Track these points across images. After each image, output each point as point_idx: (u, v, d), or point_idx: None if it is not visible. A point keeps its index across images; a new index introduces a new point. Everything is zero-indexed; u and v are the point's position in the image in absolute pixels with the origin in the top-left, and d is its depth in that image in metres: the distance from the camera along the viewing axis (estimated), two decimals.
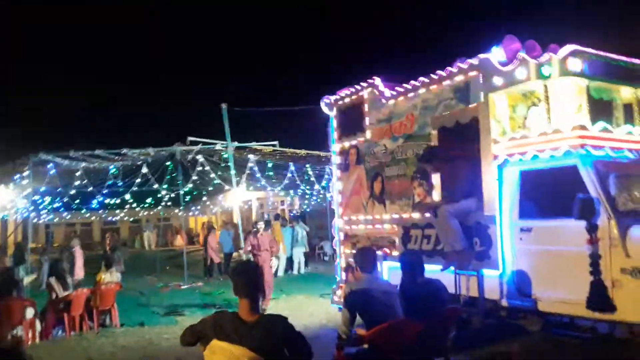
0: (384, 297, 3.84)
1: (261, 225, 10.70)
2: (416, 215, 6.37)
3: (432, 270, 5.29)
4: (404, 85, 6.66)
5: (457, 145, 6.12)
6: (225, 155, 14.67)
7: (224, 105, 13.34)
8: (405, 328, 3.72)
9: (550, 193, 5.25)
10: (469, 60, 5.83)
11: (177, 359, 6.13)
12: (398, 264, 5.94)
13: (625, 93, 5.91)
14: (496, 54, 5.62)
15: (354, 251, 7.34)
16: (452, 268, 5.76)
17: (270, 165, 17.07)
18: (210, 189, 19.16)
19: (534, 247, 5.30)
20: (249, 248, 9.72)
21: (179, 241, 30.09)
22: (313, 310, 8.95)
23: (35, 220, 21.40)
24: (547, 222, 5.24)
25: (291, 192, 23.04)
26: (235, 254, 15.18)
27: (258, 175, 17.05)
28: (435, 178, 6.05)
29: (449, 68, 6.06)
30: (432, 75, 6.24)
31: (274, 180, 18.56)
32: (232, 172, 14.04)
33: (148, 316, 9.46)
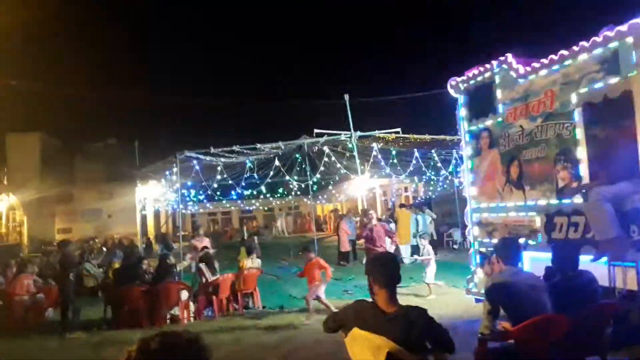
0: (530, 290, 3.61)
1: (372, 214, 10.63)
2: (561, 201, 5.88)
3: (581, 261, 4.86)
4: (541, 60, 6.14)
5: (607, 122, 5.53)
6: (350, 145, 14.89)
7: (346, 96, 13.52)
8: (555, 323, 3.47)
9: None
10: (618, 28, 5.18)
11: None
12: (540, 255, 5.60)
13: None
14: None
15: (487, 240, 7.03)
16: (605, 259, 5.23)
17: (394, 152, 16.97)
18: (336, 178, 19.63)
19: None
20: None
21: (307, 227, 31.32)
22: (446, 300, 8.75)
23: (182, 211, 23.70)
24: None
25: (415, 178, 22.68)
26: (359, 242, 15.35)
27: (382, 163, 17.06)
28: (582, 159, 5.52)
29: (593, 38, 5.45)
30: (574, 47, 5.66)
31: (398, 168, 18.42)
32: (357, 161, 14.21)
33: (286, 300, 10.00)
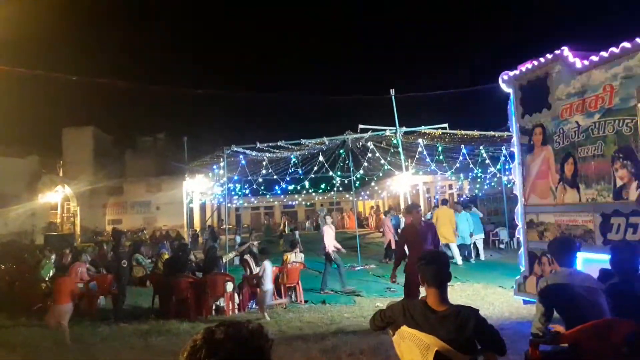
0: (586, 293, 3.45)
1: (392, 213, 10.29)
2: (619, 201, 5.60)
3: None
4: (600, 53, 5.86)
5: None
6: (394, 141, 14.74)
7: (392, 91, 13.37)
8: (614, 328, 3.31)
9: None
10: None
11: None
12: (595, 256, 5.35)
13: None
14: None
15: (540, 241, 6.79)
16: None
17: (440, 148, 16.68)
18: (379, 174, 19.49)
19: None
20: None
21: (349, 224, 31.24)
22: (493, 301, 8.53)
23: (228, 204, 24.18)
24: None
25: (461, 176, 22.23)
26: None
27: (427, 159, 16.80)
28: None
29: None
30: (637, 39, 5.37)
31: (444, 164, 18.10)
32: (401, 157, 14.04)
33: (328, 295, 10.02)
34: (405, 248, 7.14)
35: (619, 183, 5.61)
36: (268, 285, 8.43)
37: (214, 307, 9.01)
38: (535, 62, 6.86)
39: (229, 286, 9.00)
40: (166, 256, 12.74)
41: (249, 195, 24.44)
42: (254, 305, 9.22)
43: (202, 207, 31.91)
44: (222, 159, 14.06)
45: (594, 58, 5.96)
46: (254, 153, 14.13)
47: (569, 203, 6.32)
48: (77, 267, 9.92)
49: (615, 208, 5.64)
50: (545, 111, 6.70)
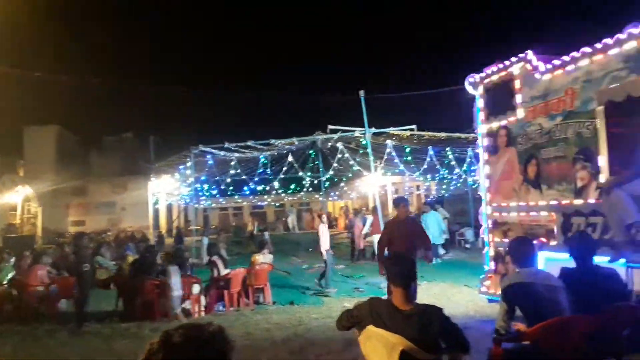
0: (547, 291, 3.53)
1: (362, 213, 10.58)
2: (579, 201, 5.77)
3: (604, 264, 4.77)
4: (562, 57, 6.02)
5: (629, 121, 5.42)
6: (364, 142, 14.82)
7: (361, 92, 13.43)
8: (574, 326, 3.39)
9: None
10: None
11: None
12: (556, 255, 5.50)
13: None
14: None
15: (504, 240, 6.93)
16: (622, 260, 5.13)
17: (408, 150, 16.88)
18: (349, 175, 19.58)
19: None
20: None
21: (318, 224, 31.23)
22: (458, 300, 8.66)
23: (195, 205, 23.84)
24: None
25: (429, 176, 22.56)
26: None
27: (396, 160, 16.97)
28: (603, 159, 5.40)
29: (617, 35, 5.33)
30: (597, 45, 5.55)
31: (412, 165, 18.32)
32: (370, 158, 14.12)
33: (297, 296, 9.99)
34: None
35: (580, 184, 5.77)
36: (176, 291, 8.40)
37: (180, 310, 8.84)
38: (500, 65, 7.00)
39: (195, 288, 8.86)
40: (131, 258, 12.46)
41: (217, 195, 24.18)
42: (221, 307, 9.11)
43: (169, 208, 31.40)
44: (189, 159, 13.87)
45: (557, 62, 6.13)
46: (222, 153, 13.98)
47: (531, 203, 6.48)
48: (37, 270, 9.59)
49: (575, 208, 5.80)
50: (510, 113, 6.84)
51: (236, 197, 27.19)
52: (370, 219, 15.18)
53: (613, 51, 5.37)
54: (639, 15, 5.17)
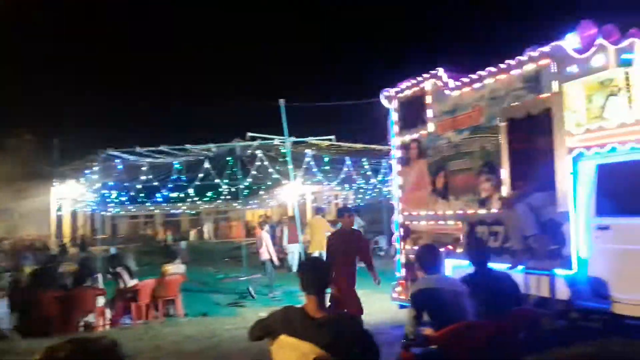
0: (452, 297, 3.70)
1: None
2: (483, 211, 6.13)
3: (499, 269, 5.08)
4: (470, 75, 6.40)
5: (528, 138, 5.85)
6: (283, 150, 14.80)
7: (282, 101, 13.42)
8: (478, 329, 3.58)
9: (630, 189, 4.90)
10: (541, 49, 5.51)
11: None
12: (463, 262, 5.79)
13: None
14: (571, 41, 5.28)
15: (415, 247, 7.19)
16: (521, 267, 5.51)
17: (326, 159, 17.09)
18: (268, 183, 19.44)
19: (612, 246, 4.97)
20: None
21: (235, 233, 30.79)
22: (371, 306, 8.79)
23: (102, 212, 22.52)
24: (627, 220, 4.89)
25: (346, 186, 23.00)
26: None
27: (314, 169, 17.12)
28: (504, 172, 5.78)
29: (518, 57, 5.76)
30: (501, 65, 5.96)
31: (330, 175, 18.57)
32: (290, 166, 14.13)
33: (210, 307, 9.70)
34: None
35: (484, 195, 6.14)
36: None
37: (82, 324, 8.26)
38: (413, 81, 7.30)
39: (100, 300, 8.32)
40: (29, 269, 11.46)
41: (127, 203, 22.99)
42: (128, 320, 8.63)
43: (74, 216, 29.40)
44: (96, 163, 13.08)
45: (465, 79, 6.50)
46: (133, 157, 13.31)
47: (440, 213, 6.78)
48: None
49: (480, 218, 6.15)
50: (421, 127, 7.15)
51: (148, 204, 26.04)
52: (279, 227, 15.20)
53: (515, 72, 5.79)
54: (541, 37, 5.63)
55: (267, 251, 11.49)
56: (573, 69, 5.20)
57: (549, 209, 5.35)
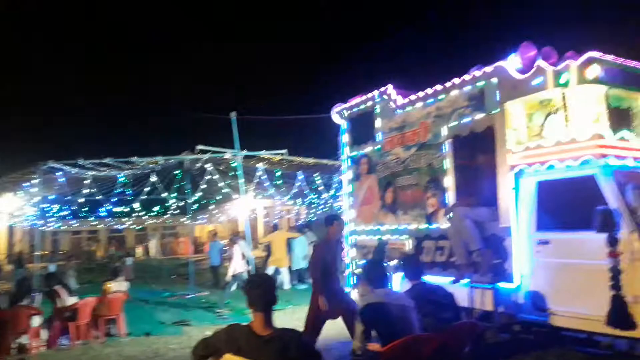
0: (399, 311, 3.71)
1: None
2: (429, 226, 6.25)
3: (444, 282, 5.18)
4: (417, 93, 6.56)
5: (472, 155, 6.04)
6: (234, 164, 14.61)
7: (233, 114, 13.29)
8: (423, 343, 3.60)
9: (568, 204, 5.10)
10: (484, 68, 5.73)
11: None
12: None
13: None
14: (512, 62, 5.52)
15: (363, 261, 7.23)
16: (466, 280, 5.63)
17: (278, 174, 17.02)
18: (218, 197, 19.11)
19: (551, 260, 5.15)
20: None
21: (183, 249, 30.03)
22: None
23: (42, 227, 21.40)
24: (565, 235, 5.09)
25: (298, 201, 22.97)
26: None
27: (266, 184, 17.00)
28: (450, 188, 5.93)
29: (464, 76, 5.96)
30: (446, 83, 6.14)
31: (282, 189, 18.49)
32: (241, 181, 13.95)
33: (154, 326, 9.35)
34: None
35: (430, 210, 6.26)
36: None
37: (15, 346, 7.74)
38: (364, 97, 7.41)
39: (35, 321, 7.83)
40: None
41: (69, 217, 21.97)
42: (65, 341, 8.16)
43: (11, 231, 27.82)
44: (36, 176, 12.43)
45: (413, 97, 6.66)
46: (75, 170, 12.75)
47: (388, 227, 6.86)
48: None
49: (426, 233, 6.26)
50: (371, 143, 7.25)
51: (91, 219, 25.00)
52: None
53: (460, 90, 5.98)
54: (485, 58, 5.85)
55: (237, 266, 11.49)
56: (514, 88, 5.41)
57: (492, 224, 5.52)
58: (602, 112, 5.25)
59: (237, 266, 11.51)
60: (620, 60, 5.40)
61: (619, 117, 5.37)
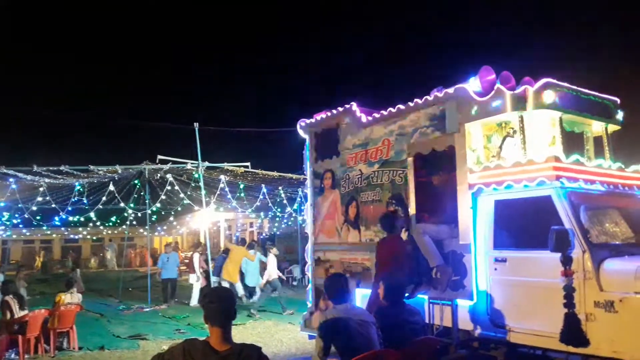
0: (359, 326, 3.72)
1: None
2: None
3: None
4: (381, 111, 6.67)
5: (433, 173, 6.17)
6: (196, 175, 14.41)
7: (196, 124, 13.13)
8: (383, 358, 3.61)
9: (524, 223, 5.24)
10: (446, 90, 5.88)
11: None
12: (371, 291, 5.88)
13: (595, 127, 6.09)
14: (472, 84, 5.69)
15: (325, 276, 7.22)
16: (424, 296, 5.71)
17: (241, 186, 16.88)
18: (178, 209, 18.78)
19: (508, 277, 5.27)
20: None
21: (141, 261, 29.25)
22: (282, 337, 8.73)
23: None
24: (521, 253, 5.22)
25: (262, 214, 22.81)
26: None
27: (229, 196, 16.82)
28: (411, 204, 6.02)
29: (425, 97, 6.10)
30: (409, 103, 6.27)
31: (245, 202, 18.34)
32: (202, 192, 13.76)
33: (109, 340, 9.05)
34: None
35: None
36: None
37: None
38: (329, 113, 7.48)
39: None
40: None
41: (21, 225, 21.07)
42: (13, 355, 7.79)
43: None
44: None
45: (376, 115, 6.76)
46: (28, 177, 12.28)
47: (351, 242, 6.90)
48: None
49: None
50: (335, 158, 7.30)
51: (45, 228, 24.04)
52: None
53: (421, 110, 6.11)
54: (447, 79, 6.02)
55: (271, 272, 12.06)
56: (474, 110, 5.56)
57: (451, 241, 5.62)
58: (557, 135, 5.48)
59: (272, 272, 12.01)
60: (574, 86, 5.65)
61: (573, 141, 5.61)
